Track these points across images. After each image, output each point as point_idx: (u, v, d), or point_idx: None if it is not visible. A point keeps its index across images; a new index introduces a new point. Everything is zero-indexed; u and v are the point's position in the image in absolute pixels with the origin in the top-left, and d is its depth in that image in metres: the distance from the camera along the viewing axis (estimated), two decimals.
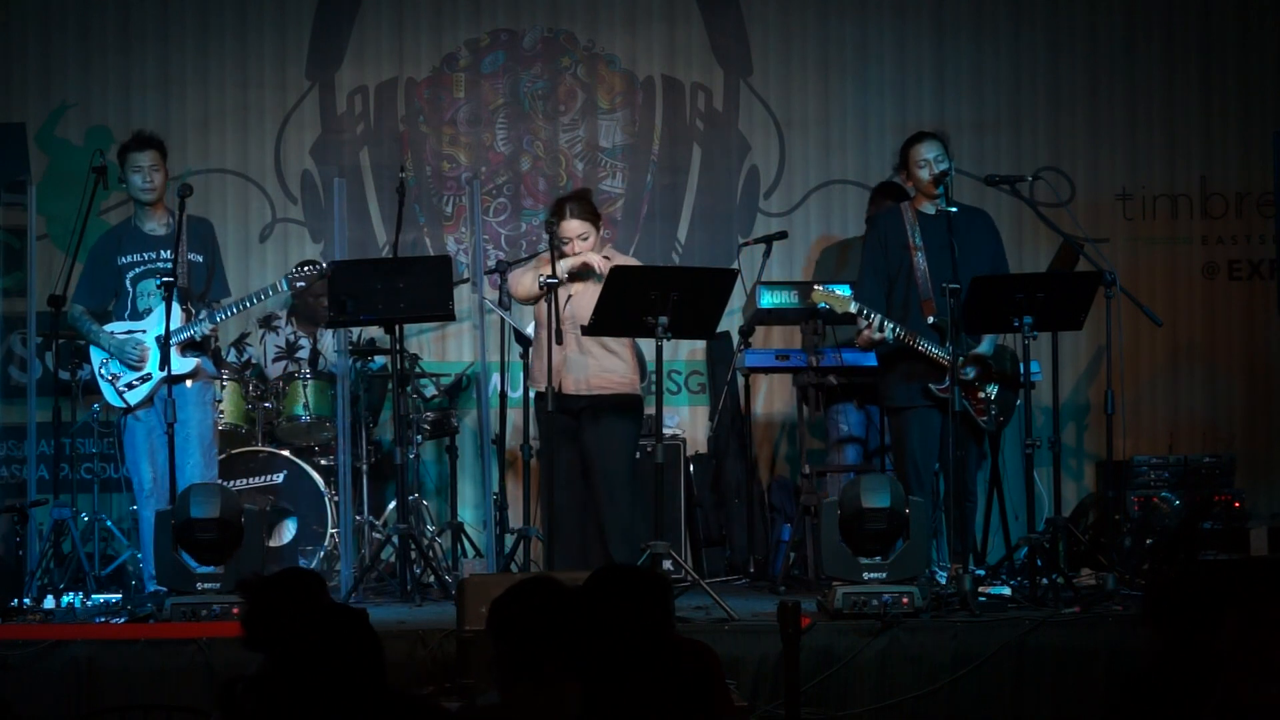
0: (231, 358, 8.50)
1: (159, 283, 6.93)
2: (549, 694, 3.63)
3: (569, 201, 7.22)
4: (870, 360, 7.50)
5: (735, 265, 8.54)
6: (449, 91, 9.37)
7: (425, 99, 9.34)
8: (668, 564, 7.03)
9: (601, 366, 7.11)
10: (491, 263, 8.49)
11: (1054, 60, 9.38)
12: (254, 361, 8.66)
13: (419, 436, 8.33)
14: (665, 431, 7.11)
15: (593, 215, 7.21)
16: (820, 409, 8.35)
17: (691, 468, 8.49)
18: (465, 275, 8.73)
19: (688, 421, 9.08)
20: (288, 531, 8.12)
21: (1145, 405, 9.18)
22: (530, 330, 7.62)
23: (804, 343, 8.12)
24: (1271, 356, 9.31)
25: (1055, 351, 7.04)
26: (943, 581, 6.88)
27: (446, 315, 7.55)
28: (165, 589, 6.62)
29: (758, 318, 8.31)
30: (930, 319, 7.05)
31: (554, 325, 6.93)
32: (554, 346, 6.93)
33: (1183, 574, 3.95)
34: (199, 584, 6.42)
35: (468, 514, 8.71)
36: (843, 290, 7.21)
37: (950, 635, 6.20)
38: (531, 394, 7.60)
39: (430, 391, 8.64)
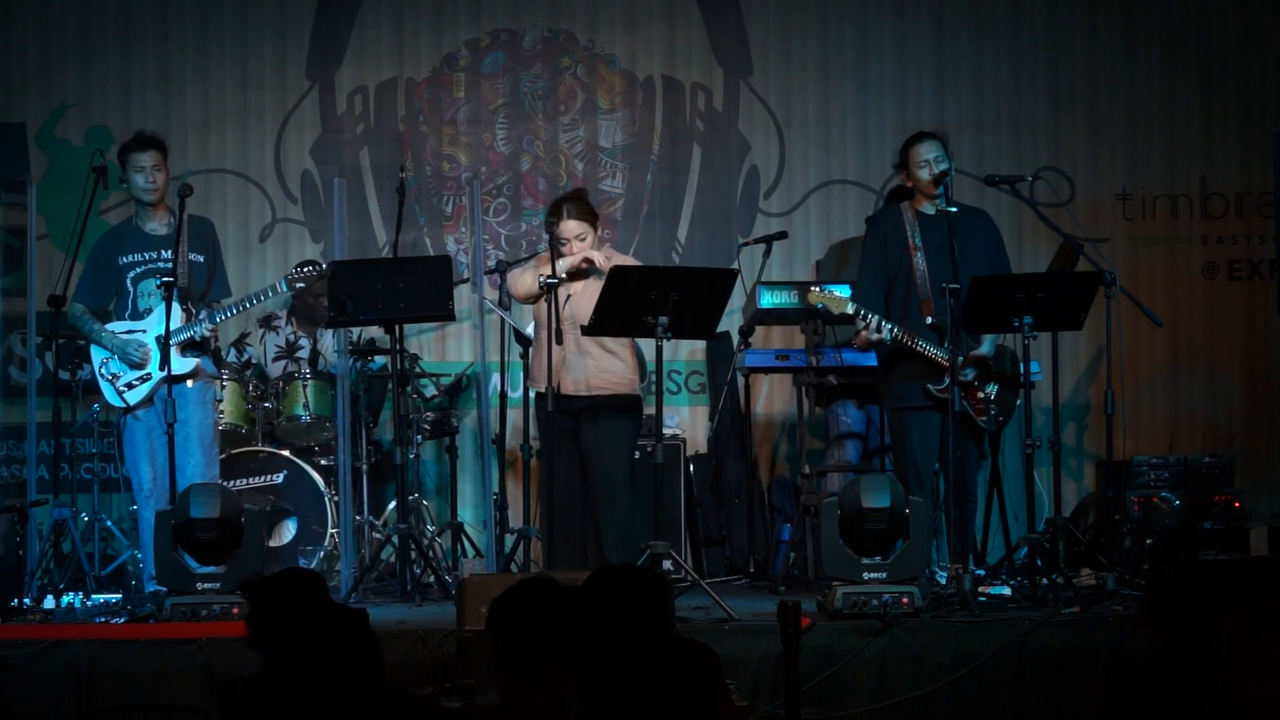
0: (231, 358, 8.50)
1: (159, 283, 6.93)
2: (549, 694, 3.63)
3: (566, 202, 7.22)
4: (870, 360, 7.50)
5: (735, 265, 8.54)
6: (449, 91, 9.37)
7: (425, 99, 9.34)
8: (668, 564, 7.04)
9: (600, 367, 7.10)
10: (491, 263, 8.49)
11: (1054, 60, 9.38)
12: (254, 361, 8.66)
13: (419, 436, 8.33)
14: (665, 431, 7.11)
15: (590, 215, 7.21)
16: (820, 407, 8.36)
17: (691, 468, 8.49)
18: (465, 275, 8.73)
19: (688, 421, 9.08)
20: (288, 531, 8.12)
21: (1145, 405, 9.18)
22: (530, 330, 7.62)
23: (806, 343, 8.13)
24: (1271, 356, 9.31)
25: (1055, 351, 7.04)
26: (943, 581, 6.88)
27: (446, 315, 7.55)
28: (165, 589, 6.62)
29: (758, 318, 8.31)
30: (929, 319, 7.05)
31: (554, 325, 6.94)
32: (556, 343, 6.93)
33: (1183, 574, 3.95)
34: (199, 584, 6.42)
35: (468, 514, 8.71)
36: (841, 291, 7.20)
37: (950, 635, 6.19)
38: (532, 394, 7.60)
39: (430, 391, 8.64)
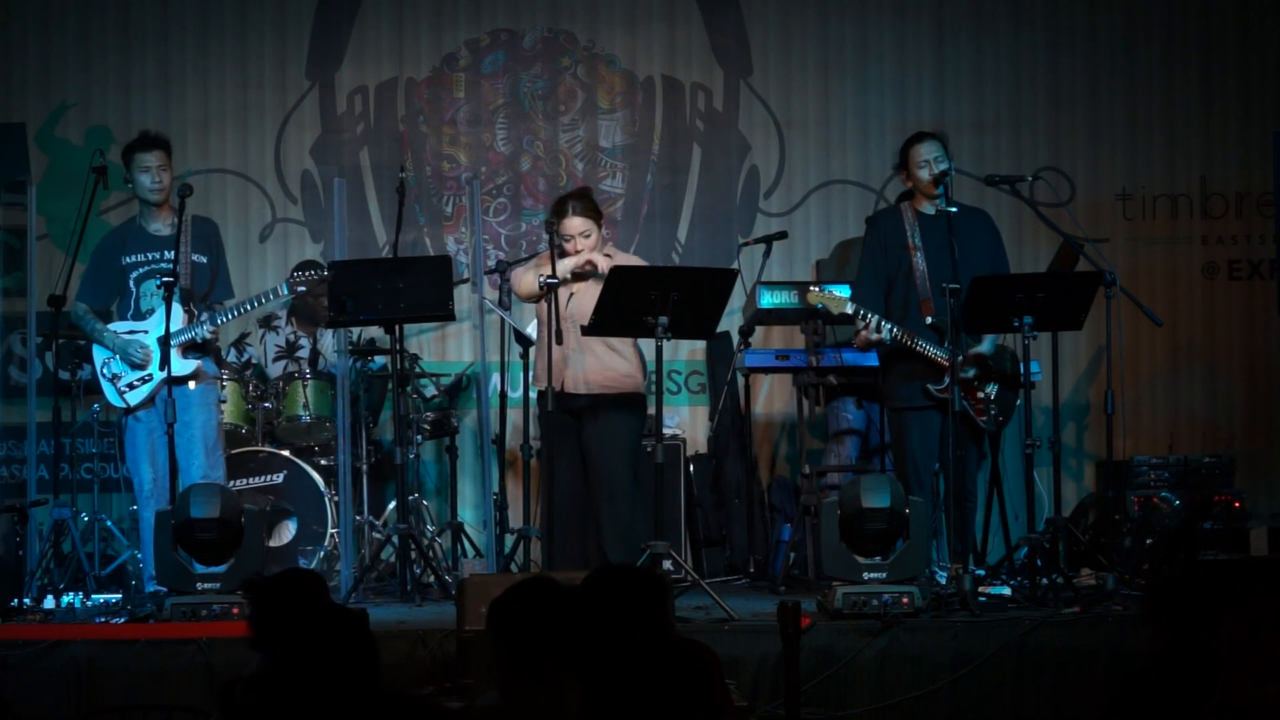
0: (231, 358, 8.50)
1: (159, 283, 6.92)
2: (549, 694, 3.63)
3: (571, 200, 7.23)
4: (871, 360, 7.50)
5: (735, 265, 8.54)
6: (449, 91, 9.37)
7: (425, 99, 9.34)
8: (668, 564, 7.04)
9: (604, 364, 7.11)
10: (491, 263, 8.49)
11: (1054, 60, 9.38)
12: (254, 361, 8.66)
13: (419, 436, 8.33)
14: (665, 431, 7.11)
15: (595, 213, 7.22)
16: (820, 405, 8.36)
17: (691, 468, 8.49)
18: (465, 275, 8.73)
19: (688, 421, 9.08)
20: (288, 531, 8.12)
21: (1145, 405, 9.18)
22: (531, 329, 7.62)
23: (806, 343, 8.13)
24: (1271, 356, 9.31)
25: (1055, 351, 7.05)
26: (943, 581, 6.88)
27: (446, 315, 7.55)
28: (165, 589, 6.62)
29: (758, 318, 8.32)
30: (929, 319, 7.05)
31: (554, 324, 6.94)
32: (554, 345, 6.93)
33: (1183, 574, 3.95)
34: (199, 584, 6.41)
35: (468, 514, 8.71)
36: (840, 291, 7.21)
37: (950, 635, 6.19)
38: (533, 392, 7.60)
39: (430, 391, 8.64)
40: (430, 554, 7.68)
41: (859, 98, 9.32)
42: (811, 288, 7.31)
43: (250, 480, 8.05)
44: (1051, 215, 8.15)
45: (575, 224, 7.12)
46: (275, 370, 8.61)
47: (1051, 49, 9.39)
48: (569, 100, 9.37)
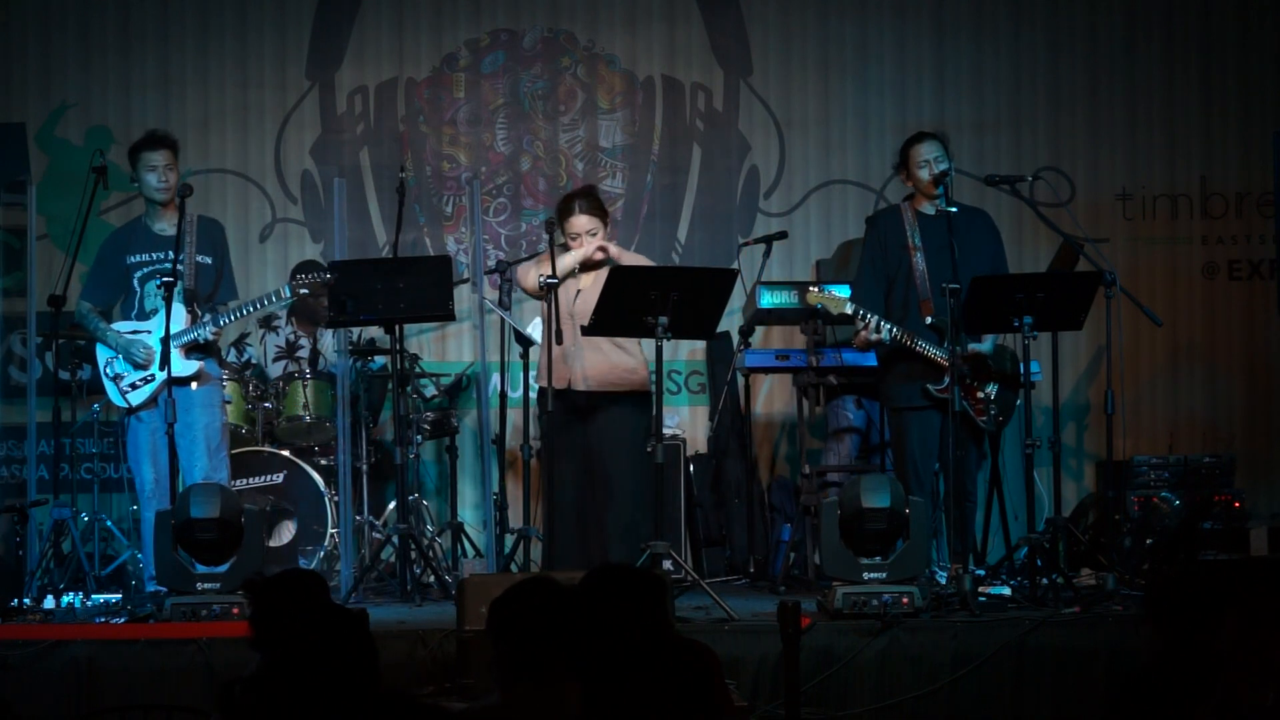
0: (231, 358, 8.50)
1: (159, 283, 6.92)
2: (549, 694, 3.63)
3: (578, 198, 7.25)
4: (871, 360, 7.50)
5: (735, 265, 8.54)
6: (449, 91, 9.37)
7: (425, 99, 9.34)
8: (668, 564, 7.03)
9: (610, 360, 7.12)
10: (491, 263, 8.48)
11: (1054, 60, 9.38)
12: (254, 361, 8.66)
13: (419, 436, 8.33)
14: (665, 431, 7.11)
15: (601, 211, 7.25)
16: (820, 405, 8.36)
17: (691, 468, 8.49)
18: (465, 275, 8.73)
19: (688, 421, 9.08)
20: (288, 531, 8.11)
21: (1145, 405, 9.18)
22: (533, 329, 7.62)
23: (806, 343, 8.12)
24: (1271, 356, 9.31)
25: (1055, 351, 7.05)
26: (943, 581, 6.88)
27: (446, 315, 7.56)
28: (165, 589, 6.61)
29: (758, 318, 8.32)
30: (929, 319, 7.05)
31: (554, 323, 6.94)
32: (556, 343, 6.94)
33: (1183, 574, 3.95)
34: (199, 584, 6.41)
35: (468, 514, 8.71)
36: (840, 291, 7.21)
37: (950, 635, 6.19)
38: (535, 390, 7.60)
39: (430, 391, 8.64)
40: (430, 554, 7.68)
41: (859, 98, 9.32)
42: (811, 288, 7.31)
43: (250, 480, 8.05)
44: (1051, 215, 8.15)
45: (581, 222, 7.14)
46: (275, 370, 8.61)
47: (1051, 49, 9.39)
48: (569, 100, 9.37)
